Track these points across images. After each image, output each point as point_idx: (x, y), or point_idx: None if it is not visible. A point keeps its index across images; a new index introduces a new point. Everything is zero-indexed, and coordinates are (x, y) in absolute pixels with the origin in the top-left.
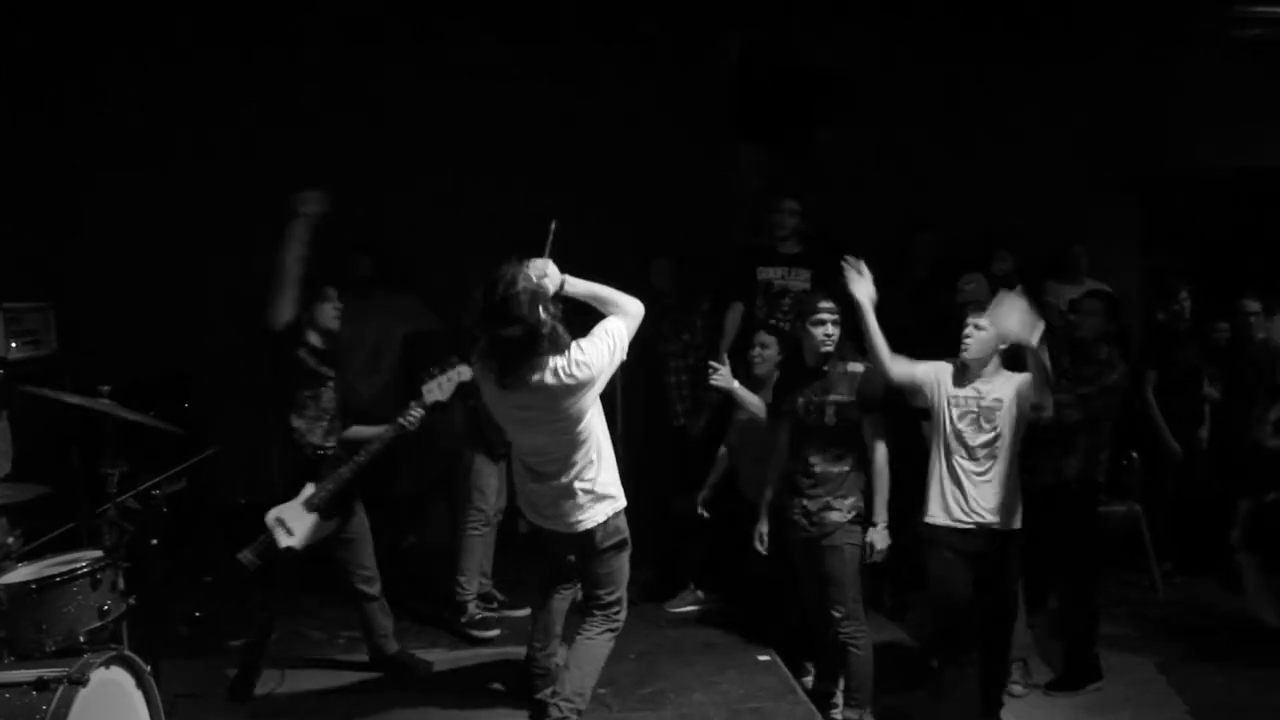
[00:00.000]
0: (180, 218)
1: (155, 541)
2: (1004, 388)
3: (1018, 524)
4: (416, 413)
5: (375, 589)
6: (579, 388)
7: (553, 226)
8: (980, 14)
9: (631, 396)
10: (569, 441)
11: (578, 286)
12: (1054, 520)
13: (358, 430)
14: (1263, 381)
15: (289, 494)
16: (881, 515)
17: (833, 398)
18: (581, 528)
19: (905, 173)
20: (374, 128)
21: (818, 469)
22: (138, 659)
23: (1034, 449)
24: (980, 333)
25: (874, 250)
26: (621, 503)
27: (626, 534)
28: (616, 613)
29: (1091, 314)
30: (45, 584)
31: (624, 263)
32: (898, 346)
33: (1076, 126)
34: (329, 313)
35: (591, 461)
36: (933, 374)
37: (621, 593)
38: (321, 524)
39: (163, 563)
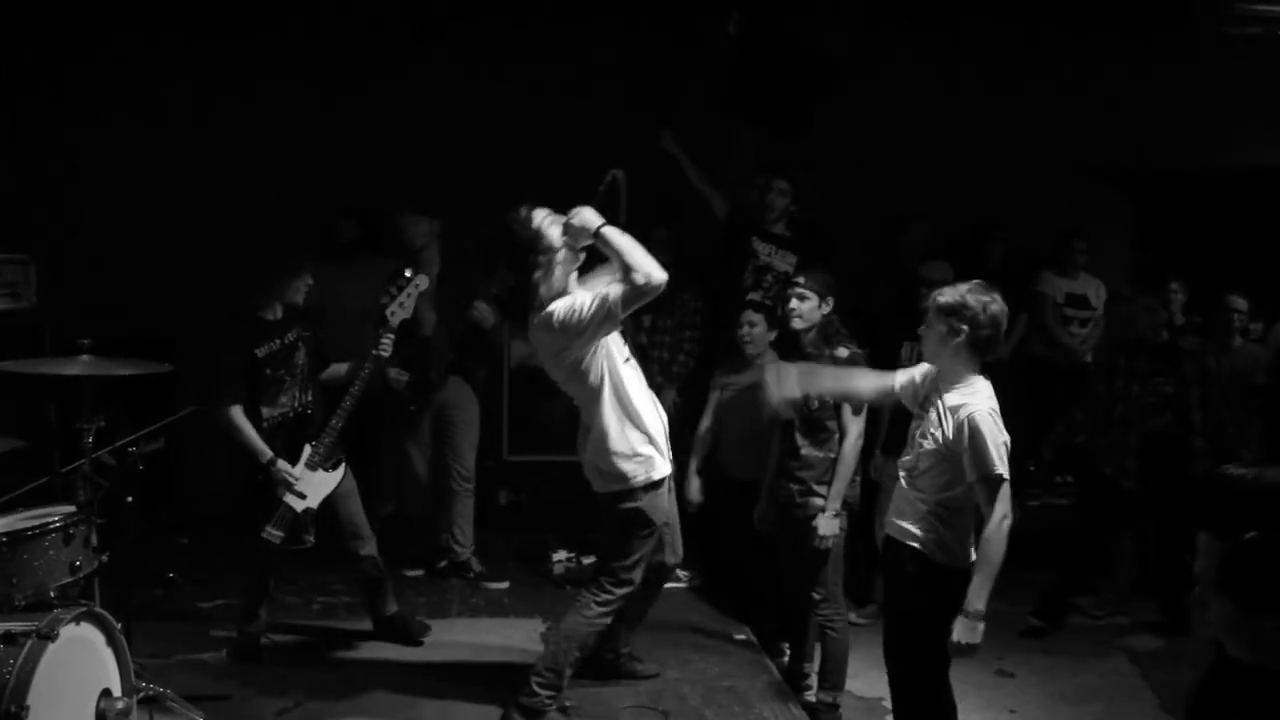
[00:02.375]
0: (167, 176)
1: (130, 499)
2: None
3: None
4: (387, 339)
5: (368, 548)
6: (548, 331)
7: (610, 176)
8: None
9: None
10: (580, 397)
11: (613, 236)
12: None
13: (335, 369)
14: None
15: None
16: (834, 502)
17: None
18: (595, 488)
19: (900, 159)
20: (361, 96)
21: (803, 452)
22: (108, 616)
23: None
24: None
25: (867, 238)
26: (631, 483)
27: (641, 509)
28: (610, 584)
29: (1148, 311)
30: (16, 537)
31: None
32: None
33: (1071, 119)
34: (299, 288)
35: (604, 433)
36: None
37: (621, 565)
38: (327, 478)
39: (138, 521)
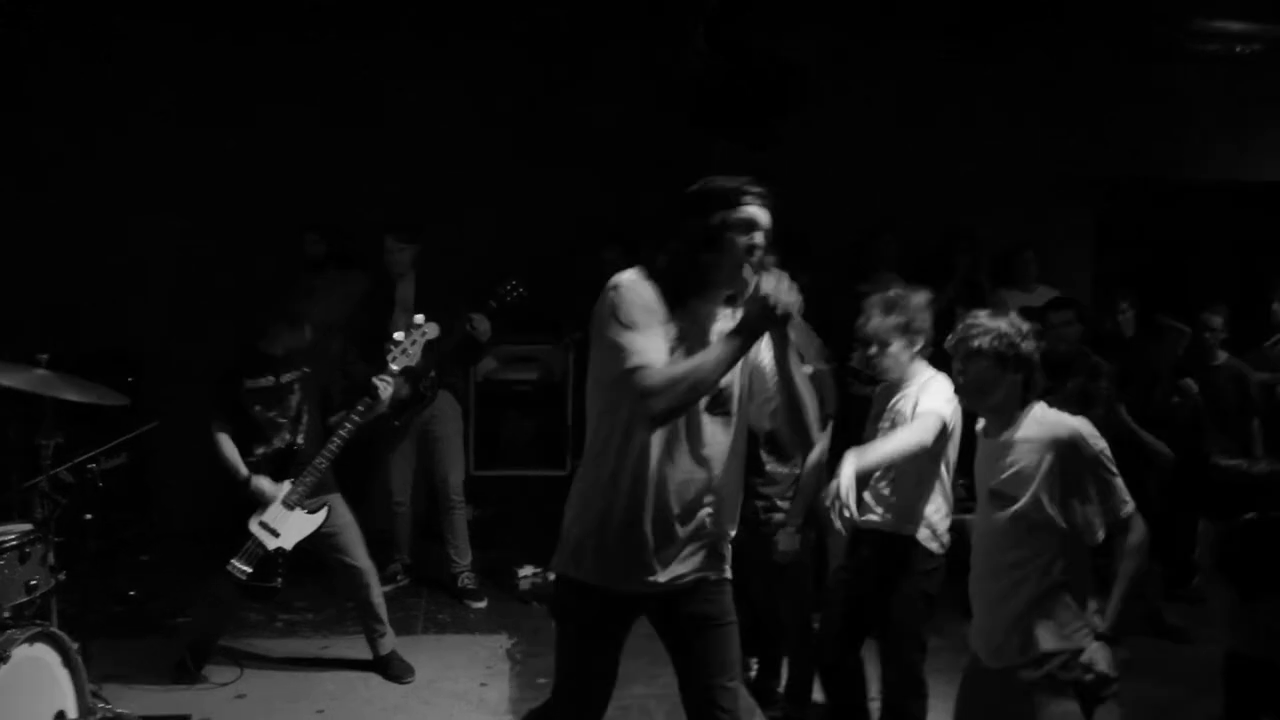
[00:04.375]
0: (130, 186)
1: (89, 516)
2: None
3: None
4: (385, 385)
5: (368, 589)
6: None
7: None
8: (944, 14)
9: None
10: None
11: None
12: None
13: (345, 412)
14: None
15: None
16: (795, 518)
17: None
18: None
19: (868, 171)
20: (315, 108)
21: (768, 468)
22: (64, 636)
23: None
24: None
25: (837, 250)
26: (562, 569)
27: (562, 605)
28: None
29: (1065, 325)
30: None
31: (582, 256)
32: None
33: (1038, 130)
34: (294, 338)
35: (581, 473)
36: None
37: (556, 681)
38: (307, 519)
39: (98, 538)
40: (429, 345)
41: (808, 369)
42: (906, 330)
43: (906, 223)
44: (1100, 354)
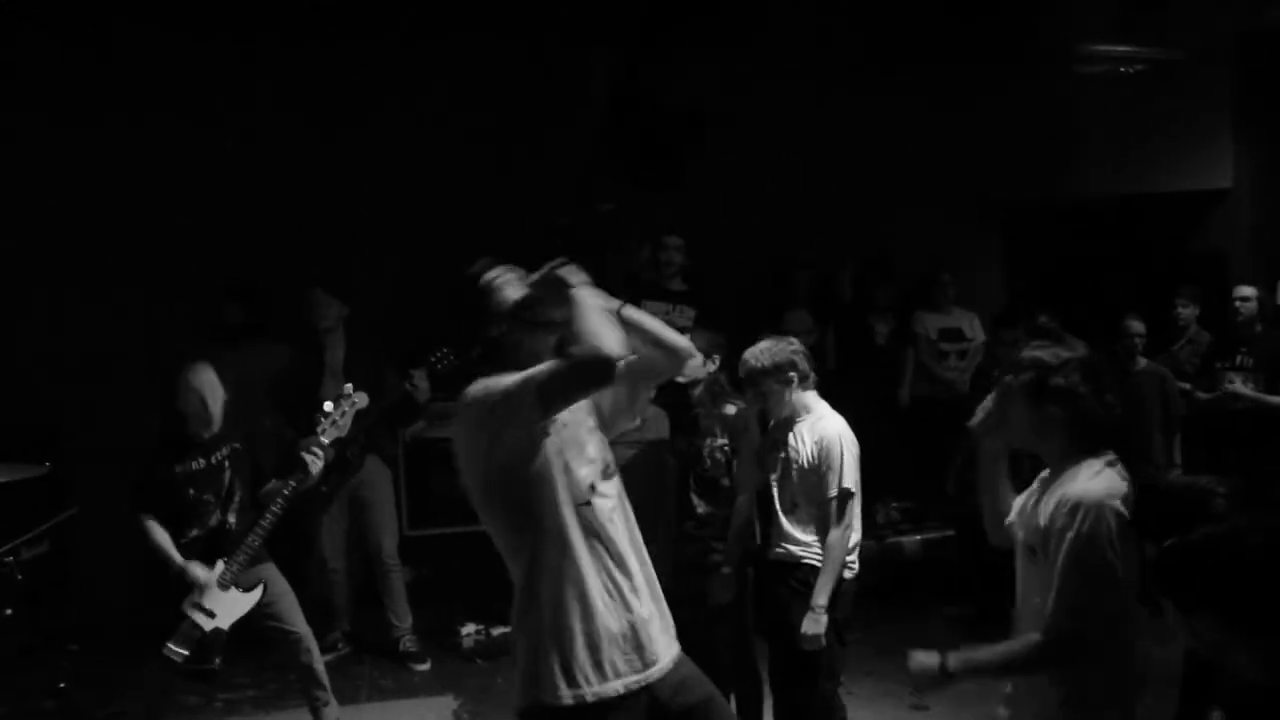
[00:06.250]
0: (43, 254)
1: (9, 611)
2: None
3: None
4: (316, 460)
5: (310, 655)
6: (459, 422)
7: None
8: (843, 46)
9: None
10: (500, 541)
11: (590, 300)
12: None
13: (276, 484)
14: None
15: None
16: (732, 559)
17: (708, 441)
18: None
19: (777, 206)
20: (256, 173)
21: (700, 511)
22: None
23: None
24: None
25: (751, 288)
26: (556, 698)
27: None
28: None
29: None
30: None
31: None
32: None
33: (943, 155)
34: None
35: (522, 589)
36: None
37: None
38: (242, 598)
39: (22, 633)
40: (358, 414)
41: (730, 408)
42: (776, 371)
43: (817, 255)
44: None
